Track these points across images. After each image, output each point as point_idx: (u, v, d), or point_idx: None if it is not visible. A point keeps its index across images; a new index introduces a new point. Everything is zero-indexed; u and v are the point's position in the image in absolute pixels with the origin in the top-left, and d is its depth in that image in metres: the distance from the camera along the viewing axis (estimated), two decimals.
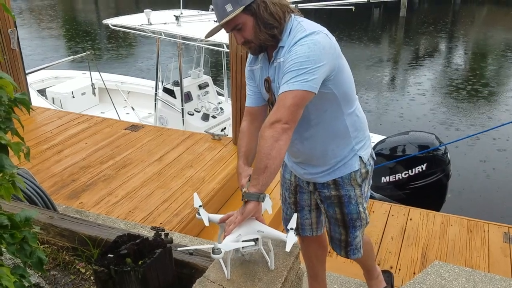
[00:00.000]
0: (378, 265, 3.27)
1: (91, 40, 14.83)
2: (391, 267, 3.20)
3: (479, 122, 8.27)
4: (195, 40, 5.76)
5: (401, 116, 8.72)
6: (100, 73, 7.12)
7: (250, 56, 1.87)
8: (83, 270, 2.02)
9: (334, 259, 3.17)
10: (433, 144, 4.68)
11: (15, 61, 5.11)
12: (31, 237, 1.14)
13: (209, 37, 1.80)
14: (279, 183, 2.22)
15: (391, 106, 9.26)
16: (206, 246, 1.50)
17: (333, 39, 1.70)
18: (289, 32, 1.68)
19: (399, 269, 3.18)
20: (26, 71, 5.63)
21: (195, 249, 1.66)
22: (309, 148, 1.87)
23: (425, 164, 4.60)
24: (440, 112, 8.84)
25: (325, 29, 1.69)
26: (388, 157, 4.78)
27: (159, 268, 1.52)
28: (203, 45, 5.70)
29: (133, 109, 7.08)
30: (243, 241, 1.52)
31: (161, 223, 3.16)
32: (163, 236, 1.70)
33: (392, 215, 3.84)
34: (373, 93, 10.03)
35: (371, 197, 4.93)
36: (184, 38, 5.71)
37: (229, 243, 1.48)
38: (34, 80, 7.52)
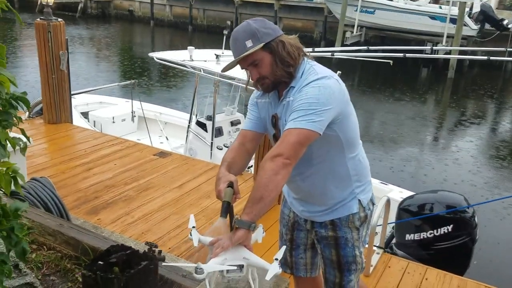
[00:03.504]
0: None
1: (139, 70, 15.52)
2: None
3: None
4: (232, 79, 5.95)
5: (437, 175, 8.52)
6: (141, 102, 7.43)
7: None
8: (81, 279, 2.07)
9: None
10: (461, 205, 4.54)
11: (62, 81, 5.45)
12: (18, 227, 1.21)
13: (225, 71, 1.89)
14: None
15: (428, 163, 9.10)
16: (190, 265, 1.53)
17: (343, 85, 1.76)
18: (302, 74, 1.75)
19: None
20: (72, 92, 5.98)
21: (179, 266, 1.68)
22: (309, 186, 1.89)
23: (451, 225, 4.44)
24: (477, 177, 8.59)
25: (335, 74, 1.76)
26: (414, 214, 4.66)
27: (142, 280, 1.55)
28: (240, 84, 5.88)
29: (167, 139, 7.29)
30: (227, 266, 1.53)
31: (169, 248, 3.20)
32: (156, 253, 1.74)
33: (408, 273, 3.69)
34: (413, 150, 9.94)
35: (393, 253, 4.77)
36: (221, 76, 5.92)
37: (212, 264, 1.50)
38: (80, 102, 7.91)
